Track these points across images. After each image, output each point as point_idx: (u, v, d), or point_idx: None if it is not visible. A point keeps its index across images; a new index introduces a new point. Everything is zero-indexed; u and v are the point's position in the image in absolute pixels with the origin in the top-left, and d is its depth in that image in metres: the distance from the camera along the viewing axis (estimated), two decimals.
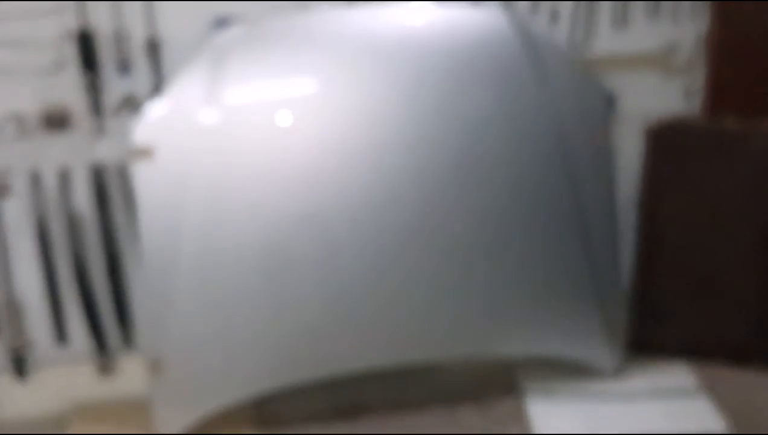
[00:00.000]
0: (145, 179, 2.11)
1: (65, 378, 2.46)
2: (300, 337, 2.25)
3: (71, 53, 2.21)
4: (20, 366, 2.43)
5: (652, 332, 2.63)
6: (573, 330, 2.44)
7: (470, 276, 2.32)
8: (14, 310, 2.39)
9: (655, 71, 2.54)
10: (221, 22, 2.24)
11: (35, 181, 2.30)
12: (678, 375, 2.53)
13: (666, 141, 2.50)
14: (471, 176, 2.26)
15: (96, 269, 2.40)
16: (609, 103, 2.48)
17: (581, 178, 2.35)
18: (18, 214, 2.32)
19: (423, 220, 2.25)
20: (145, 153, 2.08)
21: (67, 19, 2.19)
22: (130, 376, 2.46)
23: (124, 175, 2.31)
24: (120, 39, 2.22)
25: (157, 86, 2.25)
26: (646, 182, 2.55)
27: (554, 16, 2.43)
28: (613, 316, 2.47)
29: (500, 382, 2.51)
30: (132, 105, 2.26)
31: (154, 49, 2.25)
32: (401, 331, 2.32)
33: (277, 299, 2.21)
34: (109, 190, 2.35)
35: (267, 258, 2.17)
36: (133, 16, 2.22)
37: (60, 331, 2.43)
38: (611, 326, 2.46)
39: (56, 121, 2.25)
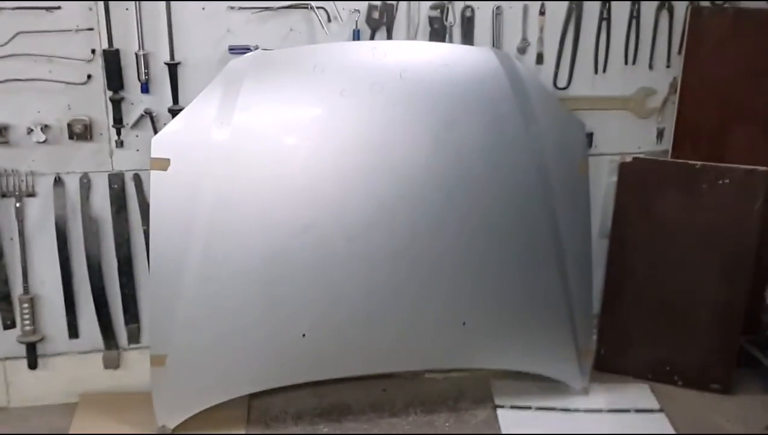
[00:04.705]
0: (159, 188, 2.23)
1: (75, 369, 2.56)
2: (293, 342, 2.36)
3: (98, 70, 2.34)
4: (33, 356, 2.52)
5: (617, 354, 2.76)
6: (548, 350, 2.57)
7: (454, 295, 2.44)
8: (30, 304, 2.47)
9: (629, 112, 2.68)
10: (237, 49, 2.35)
11: (59, 184, 2.41)
12: (638, 395, 2.67)
13: (636, 176, 2.65)
14: (457, 202, 2.38)
15: (109, 269, 2.50)
16: (586, 139, 2.60)
17: (559, 208, 2.47)
18: (41, 214, 2.42)
19: (412, 240, 2.36)
20: (161, 164, 2.21)
21: (96, 39, 2.31)
22: (135, 370, 2.57)
23: (139, 184, 2.45)
24: (143, 59, 2.33)
25: (175, 104, 2.38)
26: (617, 214, 2.69)
27: (540, 59, 2.58)
28: (584, 338, 2.59)
29: (475, 393, 2.64)
30: (151, 120, 2.39)
31: (173, 70, 2.36)
32: (388, 341, 2.43)
33: (273, 305, 2.33)
34: (126, 196, 2.45)
35: (266, 266, 2.29)
36: (157, 40, 2.34)
37: (72, 325, 2.52)
38: (582, 347, 2.59)
39: (81, 131, 2.35)
